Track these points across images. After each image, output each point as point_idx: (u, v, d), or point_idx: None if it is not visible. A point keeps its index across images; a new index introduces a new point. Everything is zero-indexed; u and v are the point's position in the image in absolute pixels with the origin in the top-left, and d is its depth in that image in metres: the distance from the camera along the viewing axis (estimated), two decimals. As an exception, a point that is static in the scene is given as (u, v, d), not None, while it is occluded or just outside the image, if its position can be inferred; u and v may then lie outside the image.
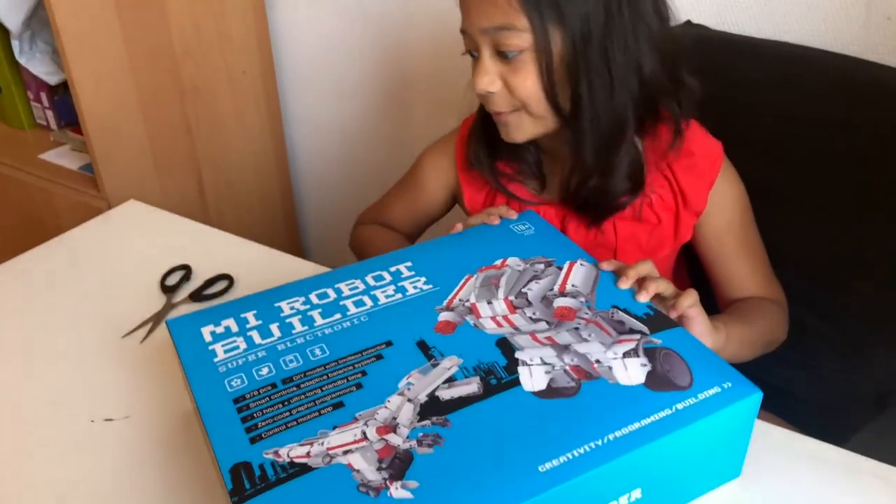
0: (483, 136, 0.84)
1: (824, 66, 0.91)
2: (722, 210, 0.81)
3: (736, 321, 0.76)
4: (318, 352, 0.61)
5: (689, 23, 1.02)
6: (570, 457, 0.51)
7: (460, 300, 0.66)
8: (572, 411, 0.54)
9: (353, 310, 0.66)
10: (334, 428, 0.54)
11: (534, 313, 0.64)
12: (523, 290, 0.67)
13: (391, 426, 0.53)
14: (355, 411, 0.55)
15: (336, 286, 0.69)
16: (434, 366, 0.59)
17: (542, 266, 0.70)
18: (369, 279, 0.70)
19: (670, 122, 0.77)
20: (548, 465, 0.50)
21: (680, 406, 0.54)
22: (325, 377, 0.59)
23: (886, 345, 0.85)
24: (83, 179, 1.32)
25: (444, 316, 0.64)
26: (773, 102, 0.90)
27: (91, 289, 0.89)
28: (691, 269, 0.90)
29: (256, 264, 0.92)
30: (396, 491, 0.49)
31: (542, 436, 0.52)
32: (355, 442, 0.52)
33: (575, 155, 0.78)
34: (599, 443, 0.52)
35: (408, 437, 0.52)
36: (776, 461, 0.63)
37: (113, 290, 0.88)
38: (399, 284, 0.69)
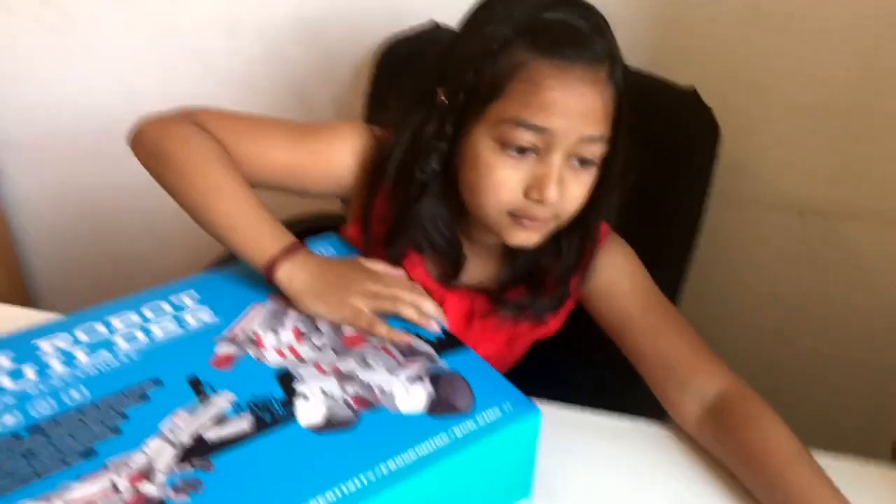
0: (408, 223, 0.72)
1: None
2: (607, 286, 0.75)
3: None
4: (75, 395, 0.56)
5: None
6: (341, 493, 0.48)
7: (244, 331, 0.63)
8: (348, 444, 0.52)
9: (123, 346, 0.61)
10: (79, 479, 0.48)
11: (322, 341, 0.62)
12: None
13: (146, 473, 0.49)
14: (107, 459, 0.50)
15: (107, 319, 0.64)
16: (203, 403, 0.55)
17: (336, 291, 0.67)
18: (146, 311, 0.65)
19: None
20: (316, 504, 0.47)
21: (458, 431, 0.53)
22: (79, 422, 0.53)
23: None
24: None
25: (222, 348, 0.60)
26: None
27: None
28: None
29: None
30: (144, 547, 0.44)
31: (314, 473, 0.50)
32: (102, 494, 0.47)
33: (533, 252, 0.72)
34: (371, 476, 0.49)
35: (164, 485, 0.48)
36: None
37: None
38: (180, 316, 0.64)
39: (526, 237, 0.67)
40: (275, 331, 0.63)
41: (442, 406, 0.55)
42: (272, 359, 0.60)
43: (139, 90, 1.32)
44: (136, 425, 0.53)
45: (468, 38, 0.66)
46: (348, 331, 0.63)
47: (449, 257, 0.74)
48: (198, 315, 0.65)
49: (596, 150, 0.65)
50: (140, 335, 0.62)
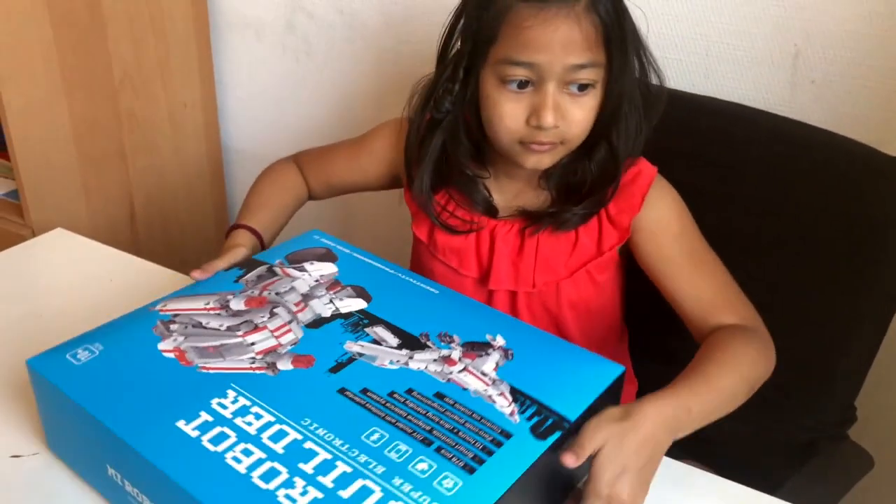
0: (435, 164, 0.83)
1: (752, 121, 0.95)
2: (659, 227, 0.81)
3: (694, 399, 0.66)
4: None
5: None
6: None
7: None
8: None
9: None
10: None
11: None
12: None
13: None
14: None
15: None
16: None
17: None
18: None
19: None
20: None
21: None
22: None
23: (811, 392, 0.87)
24: (7, 206, 1.27)
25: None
26: (707, 153, 0.93)
27: (9, 319, 0.84)
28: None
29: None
30: None
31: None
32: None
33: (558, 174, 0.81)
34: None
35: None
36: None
37: (32, 322, 0.84)
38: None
39: (537, 160, 0.77)
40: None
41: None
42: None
43: (356, 121, 1.40)
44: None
45: None
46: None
47: (469, 190, 0.83)
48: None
49: (588, 76, 0.72)
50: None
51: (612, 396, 0.63)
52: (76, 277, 0.94)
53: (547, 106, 0.72)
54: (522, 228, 0.83)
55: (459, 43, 0.78)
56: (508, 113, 0.74)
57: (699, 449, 0.87)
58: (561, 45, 0.70)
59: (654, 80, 0.79)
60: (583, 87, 0.73)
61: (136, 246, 1.42)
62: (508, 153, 0.78)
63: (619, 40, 0.73)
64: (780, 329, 0.87)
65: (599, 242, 0.82)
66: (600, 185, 0.79)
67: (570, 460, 0.57)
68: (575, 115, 0.74)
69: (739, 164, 0.92)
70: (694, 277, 0.79)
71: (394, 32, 1.30)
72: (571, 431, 0.58)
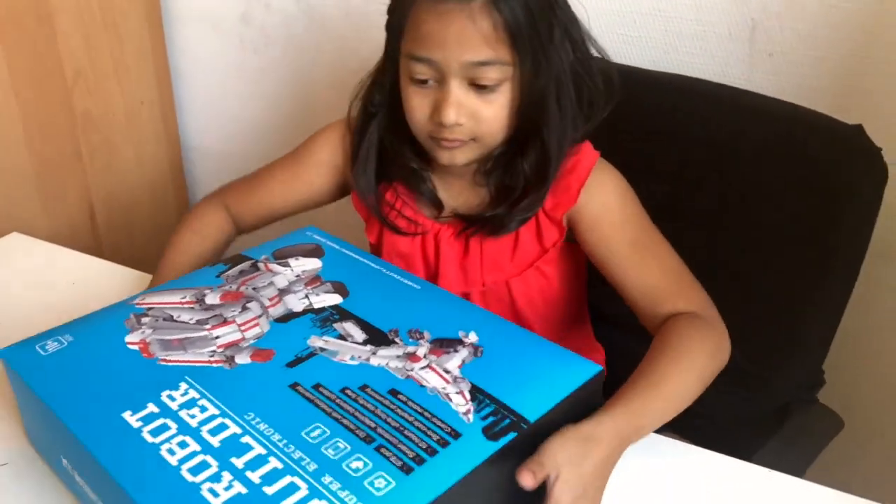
0: (376, 160, 0.82)
1: (713, 95, 0.96)
2: (600, 217, 0.78)
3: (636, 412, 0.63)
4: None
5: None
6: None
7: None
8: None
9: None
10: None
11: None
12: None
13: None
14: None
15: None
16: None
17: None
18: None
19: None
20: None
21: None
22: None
23: (780, 359, 0.89)
24: (-40, 212, 1.23)
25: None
26: (666, 129, 0.94)
27: (-34, 326, 0.82)
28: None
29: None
30: None
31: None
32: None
33: (494, 173, 0.79)
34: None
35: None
36: (682, 479, 0.64)
37: (-9, 327, 0.82)
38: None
39: (449, 156, 0.75)
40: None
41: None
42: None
43: (319, 111, 1.39)
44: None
45: None
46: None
47: (414, 184, 0.81)
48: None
49: (492, 73, 0.70)
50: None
51: (588, 395, 0.60)
52: (36, 282, 0.91)
53: (447, 103, 0.71)
54: (461, 231, 0.81)
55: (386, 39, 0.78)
56: (416, 107, 0.74)
57: (675, 420, 0.88)
58: (455, 41, 0.69)
59: (597, 71, 0.77)
60: (488, 85, 0.71)
61: (98, 248, 1.39)
62: (426, 148, 0.77)
63: (531, 36, 0.70)
64: (746, 297, 0.88)
65: (540, 239, 0.81)
66: (535, 186, 0.77)
67: (528, 479, 0.54)
68: (483, 113, 0.72)
69: (699, 138, 0.92)
70: (640, 266, 0.77)
71: (353, 22, 1.28)
72: (530, 434, 0.55)
